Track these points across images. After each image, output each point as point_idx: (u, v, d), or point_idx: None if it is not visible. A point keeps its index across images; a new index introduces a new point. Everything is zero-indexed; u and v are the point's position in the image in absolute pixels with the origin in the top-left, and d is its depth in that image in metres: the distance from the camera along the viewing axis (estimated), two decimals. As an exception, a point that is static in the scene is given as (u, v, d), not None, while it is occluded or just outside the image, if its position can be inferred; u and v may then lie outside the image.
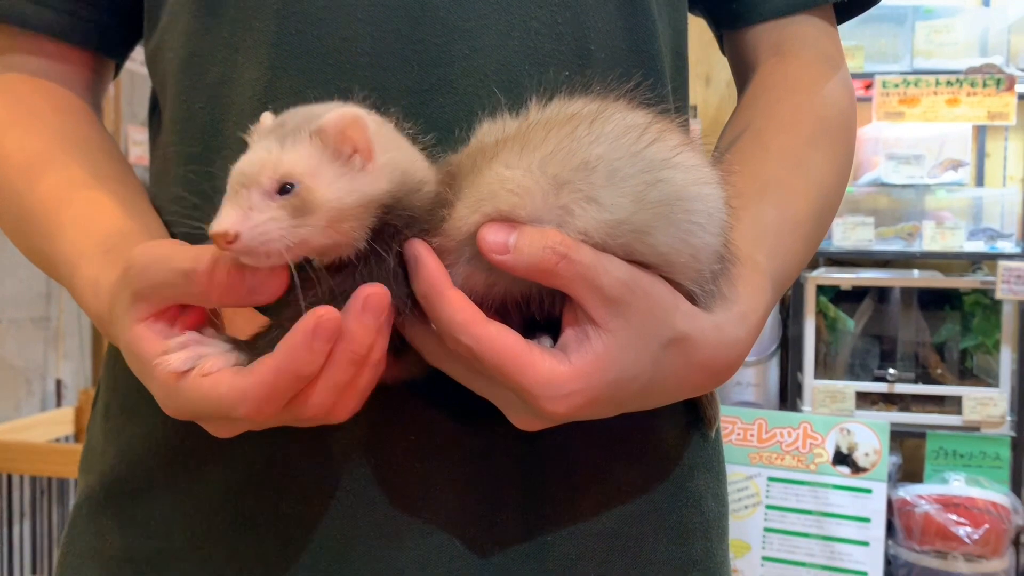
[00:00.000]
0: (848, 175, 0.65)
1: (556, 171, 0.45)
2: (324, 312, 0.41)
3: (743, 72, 0.69)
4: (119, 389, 0.60)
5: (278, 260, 0.42)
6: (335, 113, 0.43)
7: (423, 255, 0.44)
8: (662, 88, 0.58)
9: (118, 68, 0.70)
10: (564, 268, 0.43)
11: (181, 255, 0.44)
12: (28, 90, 0.63)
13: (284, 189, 0.42)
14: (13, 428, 2.40)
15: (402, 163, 0.45)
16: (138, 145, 2.81)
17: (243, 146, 0.49)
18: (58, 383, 2.67)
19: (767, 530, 2.51)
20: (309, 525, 0.53)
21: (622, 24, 0.55)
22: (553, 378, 0.44)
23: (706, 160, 0.49)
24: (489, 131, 0.48)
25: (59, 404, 2.67)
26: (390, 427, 0.53)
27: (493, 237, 0.44)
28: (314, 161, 0.43)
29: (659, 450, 0.58)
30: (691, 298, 0.48)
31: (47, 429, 2.50)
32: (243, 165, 0.43)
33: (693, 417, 0.61)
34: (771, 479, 2.53)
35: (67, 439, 2.58)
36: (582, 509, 0.55)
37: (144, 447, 0.57)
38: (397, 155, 0.45)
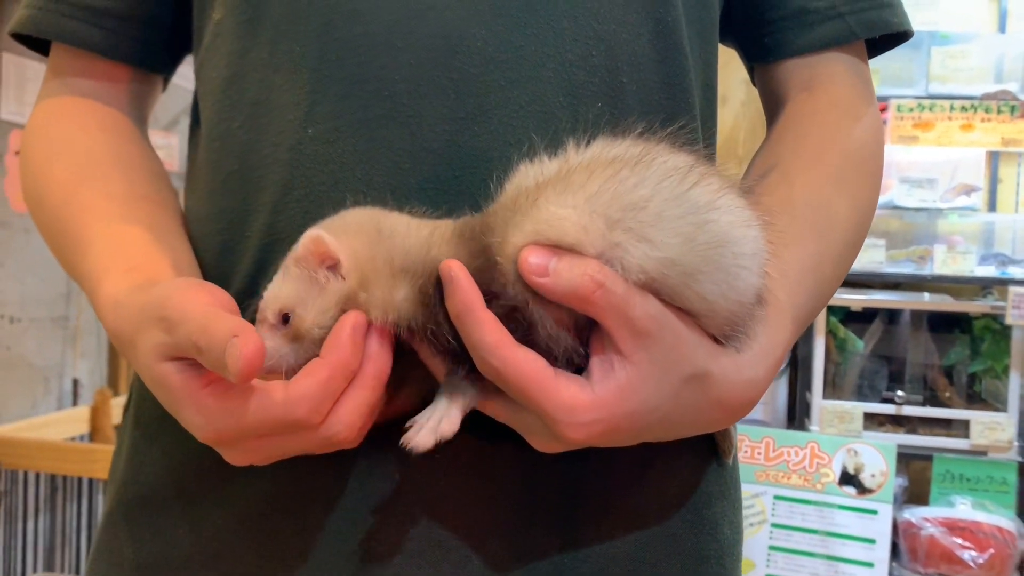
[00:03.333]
0: (873, 211, 0.66)
1: (605, 210, 0.46)
2: (356, 314, 0.47)
3: (772, 105, 0.69)
4: (151, 398, 0.61)
5: (288, 376, 0.48)
6: (301, 239, 0.49)
7: (458, 275, 0.46)
8: (692, 121, 0.59)
9: (166, 81, 0.72)
10: (599, 296, 0.45)
11: (217, 327, 0.46)
12: (77, 111, 0.65)
13: (286, 319, 0.49)
14: (30, 426, 2.43)
15: (378, 254, 0.49)
16: (160, 149, 2.84)
17: (281, 167, 0.53)
18: (75, 382, 2.70)
19: (772, 548, 2.51)
20: (331, 542, 0.54)
21: (654, 57, 0.57)
22: (575, 405, 0.46)
23: (746, 202, 0.50)
24: (527, 173, 0.50)
25: (75, 403, 2.70)
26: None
27: (535, 260, 0.46)
28: (301, 288, 0.48)
29: (678, 478, 0.60)
30: (718, 335, 0.49)
31: (63, 427, 2.53)
32: (264, 298, 0.51)
33: (712, 445, 0.62)
34: (777, 497, 2.54)
35: (82, 438, 2.61)
36: (601, 533, 0.57)
37: (174, 459, 0.59)
38: (365, 252, 0.49)
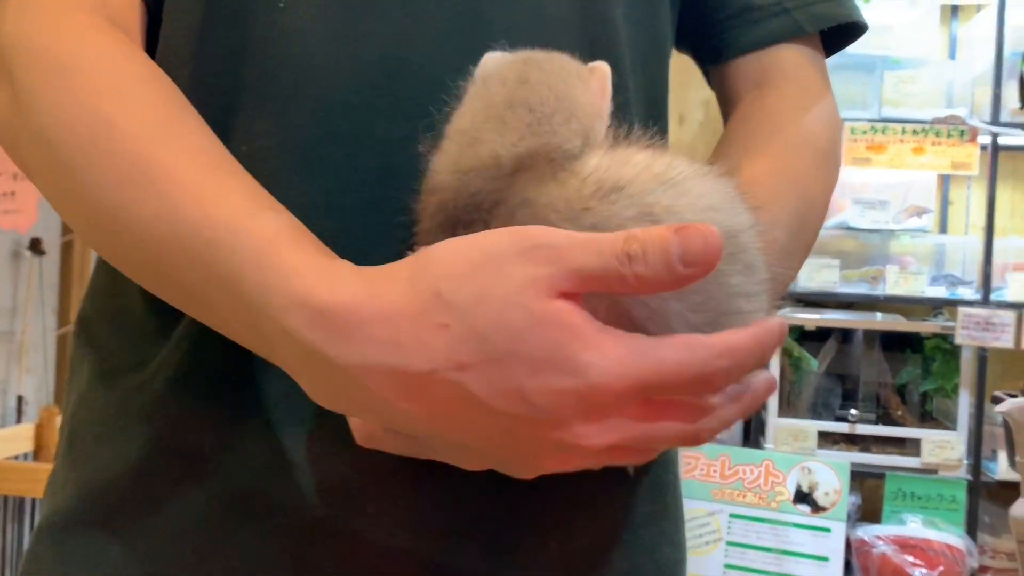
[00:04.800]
0: (823, 197, 0.64)
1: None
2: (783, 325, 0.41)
3: (727, 107, 0.69)
4: (86, 418, 0.60)
5: None
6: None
7: None
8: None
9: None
10: None
11: (609, 242, 0.38)
12: (101, 22, 0.52)
13: None
14: (-29, 444, 2.37)
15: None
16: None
17: None
18: (19, 399, 2.64)
19: (727, 566, 2.52)
20: (266, 559, 0.53)
21: None
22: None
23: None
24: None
25: (19, 420, 2.63)
26: (348, 469, 0.53)
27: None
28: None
29: (610, 497, 0.59)
30: None
31: (7, 446, 2.46)
32: None
33: (651, 462, 0.62)
34: (732, 515, 2.55)
35: (27, 456, 2.54)
36: (538, 557, 0.56)
37: (107, 478, 0.57)
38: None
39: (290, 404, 0.52)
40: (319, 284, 0.40)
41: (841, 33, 0.69)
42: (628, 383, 0.37)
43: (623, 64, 0.59)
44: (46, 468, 2.30)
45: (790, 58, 0.66)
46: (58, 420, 2.57)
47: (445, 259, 0.39)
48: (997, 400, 0.80)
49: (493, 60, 0.49)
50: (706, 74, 0.73)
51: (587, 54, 0.56)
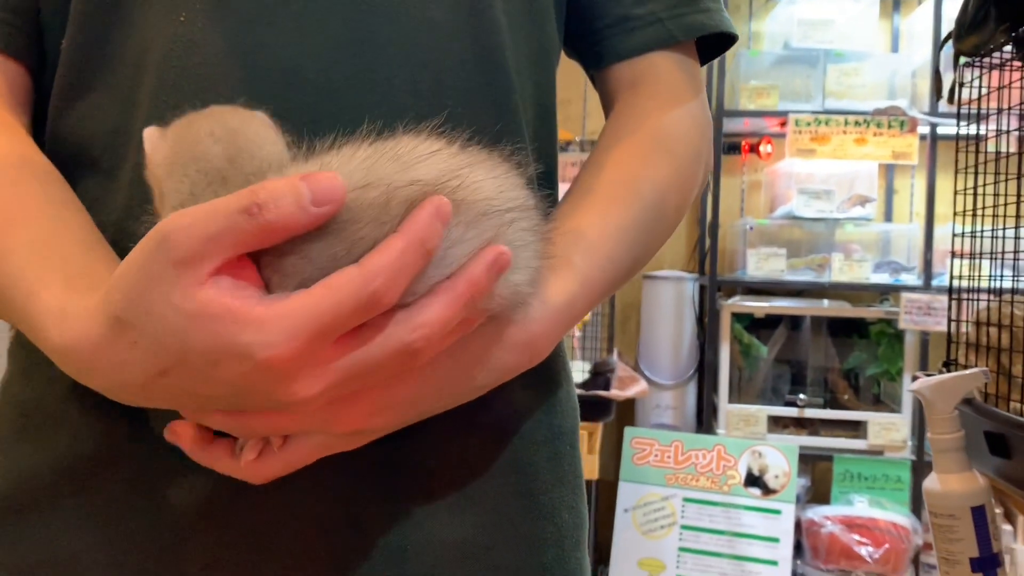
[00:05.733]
0: (687, 195, 0.70)
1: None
2: (441, 200, 0.43)
3: (606, 107, 0.74)
4: (6, 413, 0.62)
5: None
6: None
7: None
8: (521, 140, 0.62)
9: (32, 72, 0.65)
10: None
11: (225, 203, 0.41)
12: None
13: None
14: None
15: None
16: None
17: (121, 192, 0.55)
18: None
19: (682, 550, 2.59)
20: (183, 536, 0.57)
21: (480, 81, 0.60)
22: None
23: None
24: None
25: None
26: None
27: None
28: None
29: (514, 466, 0.63)
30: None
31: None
32: None
33: (549, 434, 0.66)
34: (686, 499, 2.61)
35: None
36: (439, 519, 0.60)
37: (32, 466, 0.59)
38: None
39: None
40: (52, 328, 0.47)
41: (717, 41, 0.74)
42: (299, 342, 0.40)
43: (510, 70, 0.63)
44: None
45: (662, 64, 0.71)
46: None
47: (116, 283, 0.43)
48: (916, 380, 0.85)
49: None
50: (591, 78, 0.77)
51: (477, 61, 0.60)
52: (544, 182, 0.66)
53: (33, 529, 0.59)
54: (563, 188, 0.69)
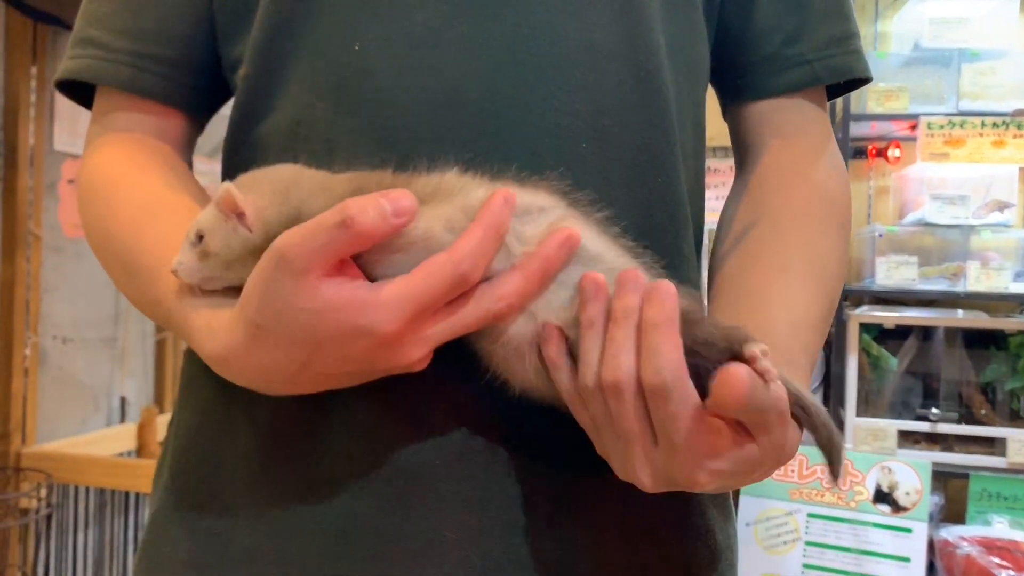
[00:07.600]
0: (847, 255, 0.72)
1: None
2: (507, 190, 0.51)
3: (743, 147, 0.74)
4: (187, 409, 0.67)
5: (206, 287, 0.55)
6: (220, 189, 0.54)
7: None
8: (672, 157, 0.63)
9: (202, 126, 0.77)
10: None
11: (321, 220, 0.48)
12: (135, 146, 0.69)
13: (200, 239, 0.54)
14: (80, 442, 2.52)
15: (277, 215, 0.53)
16: (203, 176, 2.94)
17: None
18: (122, 400, 2.79)
19: (806, 566, 2.51)
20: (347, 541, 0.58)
21: (636, 101, 0.61)
22: None
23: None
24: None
25: (123, 420, 2.79)
26: (405, 421, 0.59)
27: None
28: (215, 221, 0.54)
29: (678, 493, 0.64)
30: None
31: (111, 444, 2.62)
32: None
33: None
34: (811, 515, 2.54)
35: (130, 454, 2.69)
36: (593, 537, 0.60)
37: (208, 463, 0.63)
38: (272, 211, 0.54)
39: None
40: (205, 342, 0.55)
41: (846, 83, 0.74)
42: (407, 314, 0.49)
43: (668, 90, 0.63)
44: (148, 464, 2.44)
45: (810, 107, 0.72)
46: (158, 420, 2.72)
47: (247, 299, 0.51)
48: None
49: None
50: (724, 108, 0.77)
51: (635, 82, 0.61)
52: (693, 198, 0.66)
53: (213, 521, 0.62)
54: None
